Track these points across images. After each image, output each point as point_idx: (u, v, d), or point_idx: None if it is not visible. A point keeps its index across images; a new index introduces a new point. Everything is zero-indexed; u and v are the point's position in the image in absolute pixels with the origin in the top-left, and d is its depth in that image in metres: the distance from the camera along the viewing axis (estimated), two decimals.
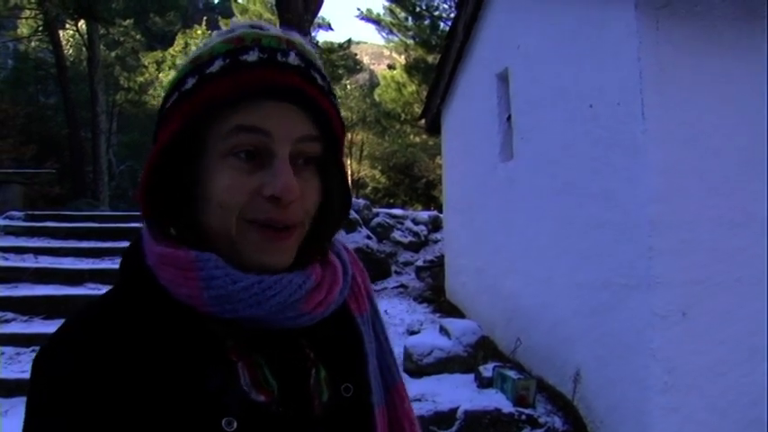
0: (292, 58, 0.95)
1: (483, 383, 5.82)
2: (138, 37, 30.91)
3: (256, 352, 0.95)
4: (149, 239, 0.99)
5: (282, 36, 0.98)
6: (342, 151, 1.07)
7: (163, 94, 1.03)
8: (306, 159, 0.99)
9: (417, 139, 25.12)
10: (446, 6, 22.75)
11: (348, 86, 32.48)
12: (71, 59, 27.71)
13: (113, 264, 8.69)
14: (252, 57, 0.93)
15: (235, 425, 0.88)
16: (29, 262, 8.51)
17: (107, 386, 0.87)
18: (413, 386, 5.73)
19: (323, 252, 1.07)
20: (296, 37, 1.01)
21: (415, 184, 24.14)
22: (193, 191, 0.97)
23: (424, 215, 13.26)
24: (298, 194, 0.94)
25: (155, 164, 0.96)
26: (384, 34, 25.48)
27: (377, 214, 12.27)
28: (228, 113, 0.93)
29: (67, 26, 25.73)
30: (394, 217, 12.42)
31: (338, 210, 1.08)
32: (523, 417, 5.21)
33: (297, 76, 0.95)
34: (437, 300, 9.30)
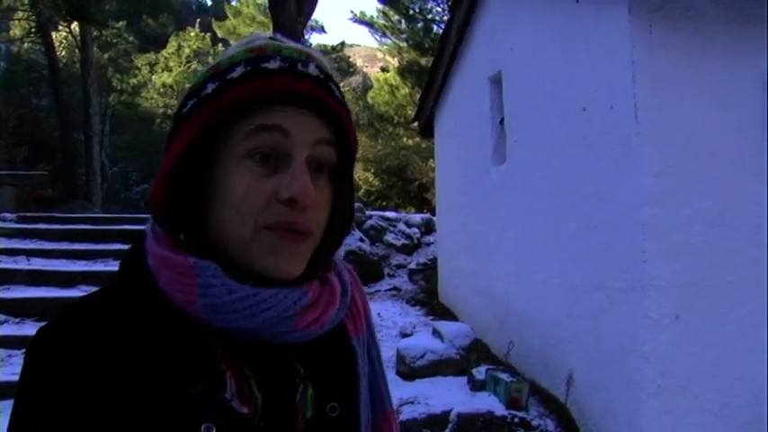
0: (312, 69, 0.98)
1: (476, 386, 5.83)
2: (131, 39, 30.86)
3: (245, 364, 0.95)
4: (152, 240, 0.99)
5: (303, 49, 1.01)
6: (353, 163, 1.08)
7: (180, 101, 1.04)
8: (319, 166, 1.00)
9: (410, 142, 25.09)
10: (439, 9, 22.75)
11: (341, 89, 32.48)
12: (64, 61, 27.66)
13: (106, 266, 8.68)
14: (273, 64, 0.95)
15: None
16: (21, 264, 8.50)
17: (87, 384, 0.86)
18: (406, 389, 5.73)
19: (325, 268, 1.07)
20: (314, 52, 1.03)
21: (408, 186, 24.13)
22: (208, 194, 0.98)
23: (416, 218, 13.26)
24: (314, 198, 0.95)
25: (172, 166, 0.96)
26: (377, 37, 25.44)
27: (370, 217, 12.27)
28: (247, 117, 0.94)
29: (60, 28, 25.65)
30: (387, 219, 12.41)
31: (342, 225, 1.08)
32: (516, 419, 5.22)
33: (316, 85, 0.97)
34: (430, 302, 9.31)
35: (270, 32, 1.10)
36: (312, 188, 0.95)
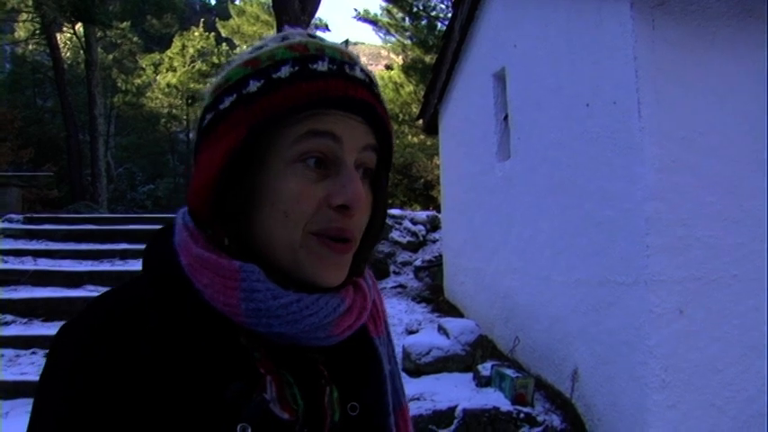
0: (359, 72, 0.96)
1: (481, 382, 5.84)
2: (135, 39, 30.97)
3: (283, 368, 0.94)
4: (186, 238, 0.96)
5: (343, 49, 0.99)
6: (390, 168, 1.08)
7: (211, 94, 1.00)
8: (364, 172, 0.99)
9: (415, 140, 25.08)
10: (443, 6, 22.74)
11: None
12: (68, 62, 27.75)
13: (112, 266, 8.72)
14: (322, 66, 0.93)
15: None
16: (28, 264, 8.54)
17: (119, 380, 0.85)
18: (411, 386, 5.75)
19: (358, 273, 1.06)
20: (352, 53, 1.01)
21: (414, 184, 24.08)
22: (252, 196, 0.95)
23: (422, 215, 13.23)
24: (364, 204, 0.95)
25: (220, 167, 0.93)
26: (381, 35, 25.45)
27: None
28: (297, 120, 0.92)
29: (65, 29, 25.76)
30: (392, 217, 12.39)
31: (378, 229, 1.07)
32: (522, 415, 5.22)
33: (365, 89, 0.96)
34: (435, 299, 9.30)
35: (289, 29, 1.06)
36: (363, 193, 0.94)
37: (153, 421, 0.84)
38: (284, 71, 0.92)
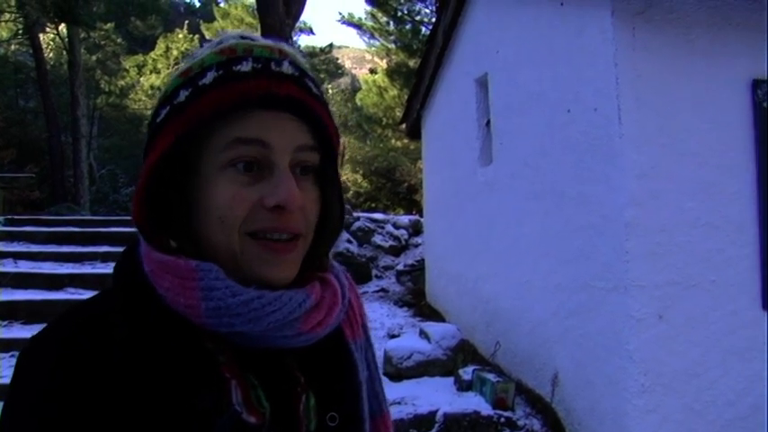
0: (286, 67, 0.94)
1: (462, 386, 5.86)
2: (119, 41, 30.79)
3: (249, 371, 0.92)
4: (147, 246, 0.95)
5: (274, 46, 0.97)
6: (337, 160, 1.06)
7: (153, 109, 1.00)
8: (303, 169, 0.97)
9: (399, 144, 25.06)
10: (427, 11, 22.76)
11: (330, 91, 32.51)
12: (51, 63, 27.53)
13: (93, 268, 8.65)
14: (245, 67, 0.92)
15: None
16: (8, 267, 8.44)
17: (90, 393, 0.83)
18: (393, 390, 5.75)
19: (322, 268, 1.06)
20: (287, 47, 0.99)
21: (397, 188, 24.08)
22: (190, 203, 0.95)
23: (404, 219, 13.26)
24: (301, 203, 0.93)
25: (149, 177, 0.93)
26: (366, 39, 25.45)
27: (357, 218, 12.28)
28: (225, 125, 0.91)
29: (48, 29, 25.56)
30: (375, 221, 12.42)
31: (336, 221, 1.07)
32: (502, 419, 5.25)
33: (292, 84, 0.94)
34: (417, 304, 9.32)
35: (240, 30, 1.07)
36: (298, 192, 0.92)
37: (122, 429, 0.83)
38: (209, 77, 0.92)
